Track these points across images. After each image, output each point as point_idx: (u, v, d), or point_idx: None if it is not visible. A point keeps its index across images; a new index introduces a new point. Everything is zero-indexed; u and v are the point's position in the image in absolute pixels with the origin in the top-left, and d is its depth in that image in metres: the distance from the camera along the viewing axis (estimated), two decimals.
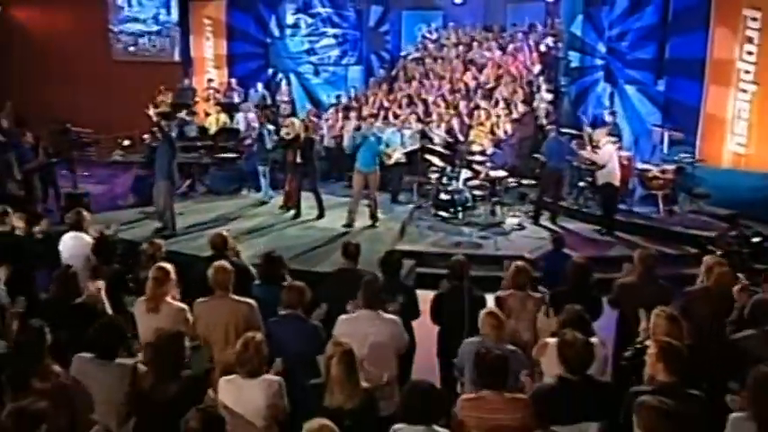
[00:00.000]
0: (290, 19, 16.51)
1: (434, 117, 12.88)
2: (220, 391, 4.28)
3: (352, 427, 3.72)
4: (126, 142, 13.51)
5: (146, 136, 12.89)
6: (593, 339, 5.03)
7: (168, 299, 5.40)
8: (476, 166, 11.37)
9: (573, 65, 14.26)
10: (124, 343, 4.72)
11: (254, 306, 5.37)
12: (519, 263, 6.16)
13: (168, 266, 5.61)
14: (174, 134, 12.70)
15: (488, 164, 11.40)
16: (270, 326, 5.18)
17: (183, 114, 13.91)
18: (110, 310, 5.62)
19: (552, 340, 4.73)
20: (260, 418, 4.21)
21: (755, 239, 7.94)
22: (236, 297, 5.39)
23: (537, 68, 13.86)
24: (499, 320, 5.00)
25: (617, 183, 10.08)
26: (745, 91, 10.61)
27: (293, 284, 5.45)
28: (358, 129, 11.72)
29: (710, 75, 11.00)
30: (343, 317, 5.26)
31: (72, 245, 7.11)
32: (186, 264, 7.07)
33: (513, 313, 5.78)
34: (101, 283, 5.81)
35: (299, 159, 11.28)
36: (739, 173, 10.81)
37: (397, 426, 3.67)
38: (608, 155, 10.06)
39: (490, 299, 6.08)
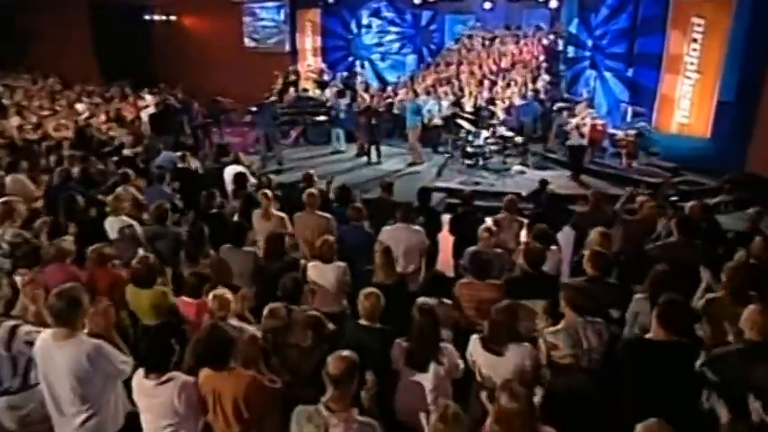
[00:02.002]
0: (365, 20, 16.29)
1: (465, 92, 12.69)
2: (308, 271, 4.51)
3: (389, 295, 3.75)
4: (253, 108, 13.77)
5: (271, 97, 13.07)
6: (553, 248, 5.22)
7: (274, 211, 5.60)
8: (492, 128, 11.18)
9: (569, 56, 13.78)
10: (247, 239, 5.03)
11: (331, 218, 5.51)
12: (511, 196, 6.17)
13: (269, 192, 5.77)
14: (285, 105, 13.14)
15: (501, 127, 11.26)
16: (341, 231, 5.36)
17: (292, 91, 14.00)
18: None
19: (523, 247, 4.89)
20: (333, 288, 4.48)
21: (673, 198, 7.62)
22: (320, 212, 5.54)
23: (541, 58, 13.45)
24: (491, 233, 5.05)
25: (585, 144, 10.12)
26: (689, 78, 10.23)
27: (355, 206, 5.62)
28: (411, 100, 11.62)
29: (666, 65, 10.62)
30: (385, 227, 5.37)
31: (229, 173, 7.30)
32: (290, 189, 7.34)
33: (504, 230, 5.73)
34: (235, 203, 6.16)
35: (371, 122, 11.34)
36: (683, 137, 10.49)
37: (420, 299, 3.73)
38: (586, 125, 9.98)
39: (490, 220, 5.99)
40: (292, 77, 14.50)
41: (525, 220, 6.05)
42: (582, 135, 10.05)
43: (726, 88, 9.76)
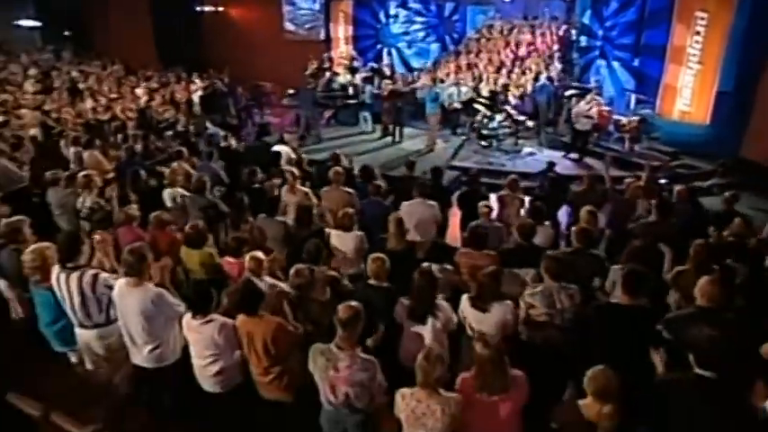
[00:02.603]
0: (392, 11, 16.13)
1: (483, 79, 12.57)
2: (331, 238, 4.76)
3: (399, 260, 3.99)
4: (290, 91, 13.90)
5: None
6: (546, 223, 5.38)
7: (298, 186, 5.82)
8: (506, 112, 11.13)
9: (582, 45, 13.48)
10: (278, 210, 5.39)
11: (353, 193, 5.73)
12: (513, 176, 6.34)
13: (295, 170, 6.02)
14: (319, 89, 13.23)
15: (514, 111, 11.21)
16: (362, 205, 5.59)
17: (327, 75, 13.95)
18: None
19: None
20: (352, 254, 4.72)
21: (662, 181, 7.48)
22: (344, 188, 5.75)
23: (555, 47, 13.22)
24: (490, 209, 5.24)
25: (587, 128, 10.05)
26: (691, 68, 9.99)
27: (375, 183, 5.85)
28: (430, 88, 11.55)
29: (669, 56, 10.37)
30: (405, 202, 5.54)
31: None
32: (319, 166, 7.51)
33: (506, 206, 5.89)
34: (277, 181, 6.25)
35: (395, 105, 11.46)
36: (683, 124, 10.30)
37: (425, 264, 3.94)
38: (593, 112, 9.93)
39: (494, 197, 6.20)
40: (326, 64, 14.55)
41: (527, 198, 6.19)
42: (590, 117, 9.95)
43: (725, 79, 9.56)
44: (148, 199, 5.49)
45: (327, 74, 13.81)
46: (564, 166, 9.64)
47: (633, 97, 10.89)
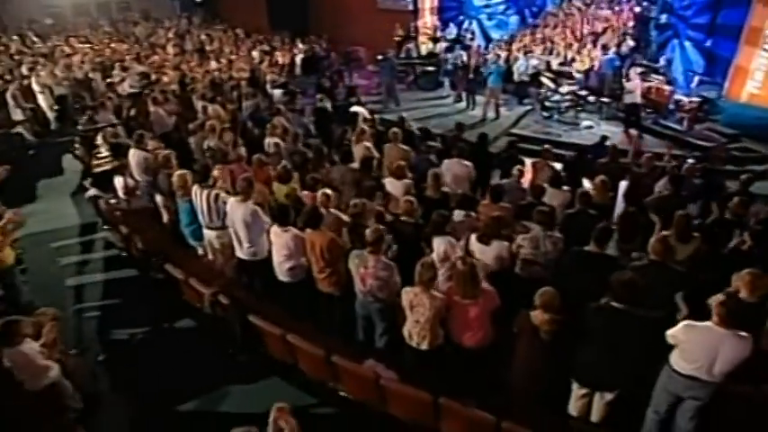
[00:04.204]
0: None
1: (554, 52, 12.44)
2: (386, 185, 5.60)
3: (433, 205, 4.81)
4: (379, 57, 14.22)
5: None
6: (564, 188, 5.89)
7: (365, 142, 6.58)
8: (570, 86, 11.05)
9: (661, 22, 12.71)
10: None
11: (409, 150, 6.41)
12: (546, 146, 6.73)
13: (366, 128, 6.86)
14: (403, 55, 13.80)
15: (576, 85, 11.10)
16: (415, 160, 6.30)
17: (413, 45, 14.42)
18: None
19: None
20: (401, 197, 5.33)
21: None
22: (401, 145, 6.47)
23: (630, 24, 12.70)
24: (519, 173, 5.83)
25: (638, 101, 9.80)
26: (766, 50, 9.34)
27: (427, 143, 6.64)
28: (497, 63, 11.50)
29: (745, 37, 9.69)
30: (445, 160, 6.22)
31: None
32: (388, 125, 8.02)
33: (538, 171, 6.40)
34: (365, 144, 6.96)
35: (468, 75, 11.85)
36: (751, 106, 9.70)
37: (457, 210, 4.81)
38: (634, 85, 9.73)
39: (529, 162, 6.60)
40: (412, 32, 14.96)
41: (558, 165, 6.68)
42: (630, 92, 9.72)
43: None
44: (254, 144, 6.76)
45: (411, 42, 14.28)
46: (619, 140, 9.62)
47: (696, 78, 10.39)
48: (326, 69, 13.29)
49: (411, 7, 15.90)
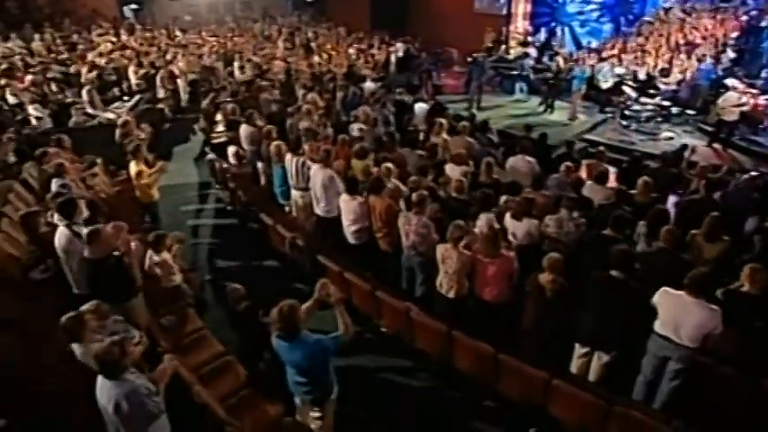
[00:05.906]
0: None
1: (643, 62, 12.24)
2: (446, 168, 6.40)
3: (488, 188, 5.64)
4: (469, 59, 14.39)
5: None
6: (607, 185, 6.23)
7: (443, 134, 7.35)
8: (653, 98, 11.01)
9: None
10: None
11: (473, 141, 7.14)
12: (601, 148, 7.17)
13: (444, 122, 7.61)
14: (491, 59, 14.25)
15: (661, 96, 11.01)
16: (477, 150, 7.01)
17: (503, 49, 14.99)
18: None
19: None
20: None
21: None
22: (467, 137, 7.16)
23: (734, 34, 12.09)
24: (567, 168, 6.25)
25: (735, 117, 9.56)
26: None
27: (489, 137, 7.40)
28: (582, 68, 11.81)
29: None
30: (511, 157, 6.78)
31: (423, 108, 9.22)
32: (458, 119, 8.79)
33: (591, 171, 6.58)
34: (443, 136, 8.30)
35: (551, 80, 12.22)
36: None
37: (504, 195, 5.67)
38: (733, 99, 9.47)
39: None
40: (503, 36, 15.45)
41: (612, 168, 7.01)
42: (740, 106, 9.45)
43: None
44: (341, 128, 7.96)
45: (503, 47, 14.74)
46: (702, 154, 9.48)
47: None
48: (417, 68, 14.10)
49: (504, 12, 16.41)
